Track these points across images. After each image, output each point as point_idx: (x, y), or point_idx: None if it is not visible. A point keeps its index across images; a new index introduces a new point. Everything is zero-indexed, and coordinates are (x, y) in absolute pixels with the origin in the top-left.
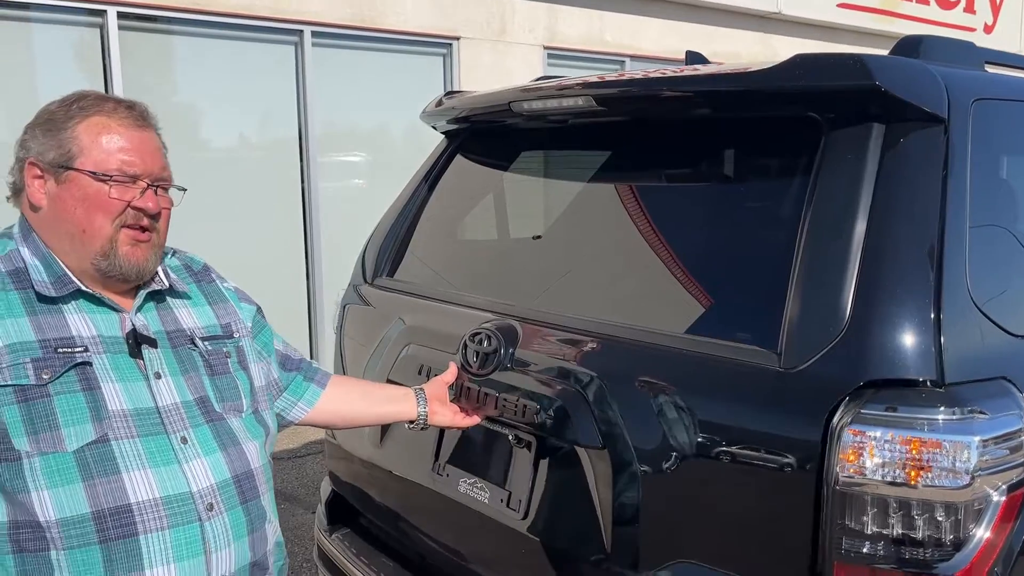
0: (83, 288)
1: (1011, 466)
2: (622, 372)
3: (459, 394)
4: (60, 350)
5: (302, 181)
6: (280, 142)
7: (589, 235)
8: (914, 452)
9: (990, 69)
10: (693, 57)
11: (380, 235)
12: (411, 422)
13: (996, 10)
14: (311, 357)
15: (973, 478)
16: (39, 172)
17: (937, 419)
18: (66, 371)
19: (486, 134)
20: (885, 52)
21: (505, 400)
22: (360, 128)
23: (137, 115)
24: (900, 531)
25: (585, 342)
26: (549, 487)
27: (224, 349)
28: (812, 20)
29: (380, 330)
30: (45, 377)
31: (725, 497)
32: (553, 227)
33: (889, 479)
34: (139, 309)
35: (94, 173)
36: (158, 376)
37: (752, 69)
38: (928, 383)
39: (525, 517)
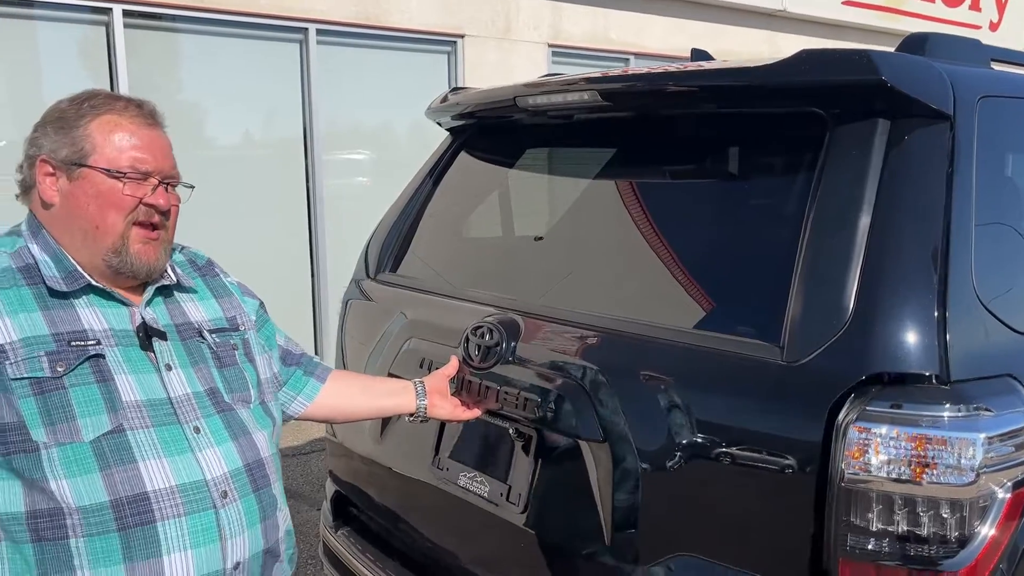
0: (93, 283)
1: (1016, 463)
2: (624, 366)
3: (460, 387)
4: (73, 343)
5: (307, 179)
6: (285, 140)
7: (592, 231)
8: (919, 449)
9: (996, 67)
10: (699, 55)
11: (383, 231)
12: (411, 415)
13: (1002, 8)
14: (315, 354)
15: (978, 475)
16: (51, 169)
17: (942, 416)
18: (80, 363)
19: (490, 131)
20: (891, 49)
21: (506, 393)
22: (365, 126)
23: (147, 114)
24: (905, 528)
25: (587, 336)
26: (549, 481)
27: (231, 341)
28: (817, 18)
29: (382, 324)
30: (60, 370)
31: (726, 491)
32: (556, 223)
33: (894, 476)
34: (148, 303)
35: (108, 170)
36: (169, 368)
37: (757, 64)
38: (931, 378)
39: (525, 511)
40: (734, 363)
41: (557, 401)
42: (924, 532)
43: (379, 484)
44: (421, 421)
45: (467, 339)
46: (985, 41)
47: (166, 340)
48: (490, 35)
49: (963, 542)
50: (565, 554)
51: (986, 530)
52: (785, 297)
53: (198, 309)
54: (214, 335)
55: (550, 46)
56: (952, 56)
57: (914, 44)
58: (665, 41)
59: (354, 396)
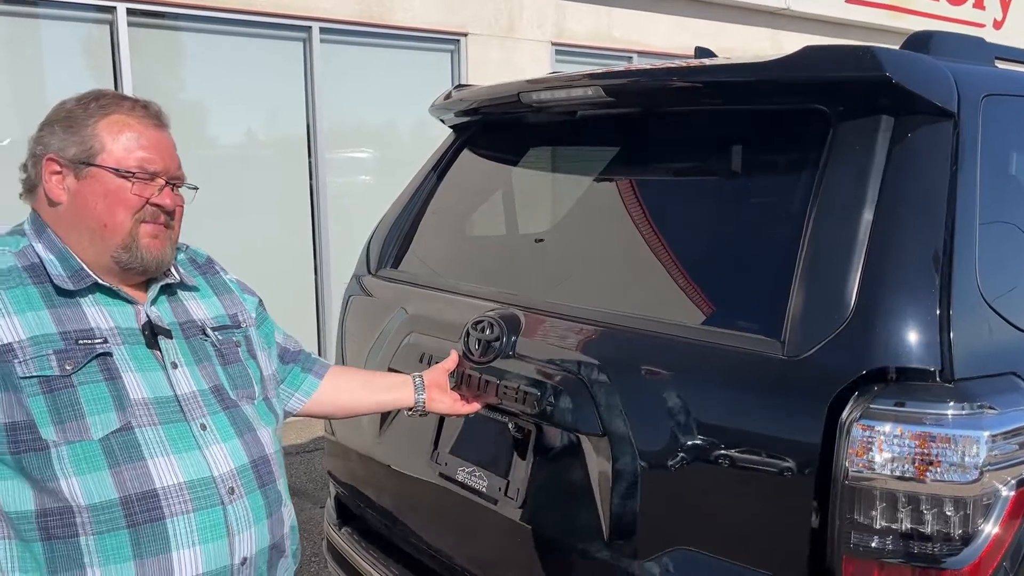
0: (100, 281)
1: (1020, 461)
2: (624, 361)
3: (460, 382)
4: (81, 341)
5: (310, 177)
6: (288, 138)
7: (594, 226)
8: (923, 447)
9: (1000, 65)
10: (702, 53)
11: (385, 227)
12: (409, 409)
13: (1006, 6)
14: (318, 352)
15: (982, 473)
16: (58, 168)
17: (946, 414)
18: (88, 362)
19: (494, 128)
20: (895, 48)
21: (506, 388)
22: (368, 124)
23: (153, 114)
24: (909, 526)
25: (588, 331)
26: (548, 476)
27: (234, 338)
28: (821, 16)
29: (382, 319)
30: (68, 368)
31: (725, 486)
32: (558, 219)
33: (898, 474)
34: (153, 302)
35: (116, 170)
36: (175, 366)
37: (761, 60)
38: (932, 373)
39: (523, 505)
40: (734, 358)
41: (556, 395)
42: (928, 530)
43: (378, 480)
44: (420, 415)
45: (467, 333)
46: (989, 39)
47: (171, 338)
48: (493, 33)
49: (967, 540)
50: (563, 548)
51: (990, 528)
52: (786, 293)
53: (200, 307)
54: (217, 332)
55: (553, 44)
56: (956, 54)
57: (918, 42)
58: (669, 39)
59: (352, 391)
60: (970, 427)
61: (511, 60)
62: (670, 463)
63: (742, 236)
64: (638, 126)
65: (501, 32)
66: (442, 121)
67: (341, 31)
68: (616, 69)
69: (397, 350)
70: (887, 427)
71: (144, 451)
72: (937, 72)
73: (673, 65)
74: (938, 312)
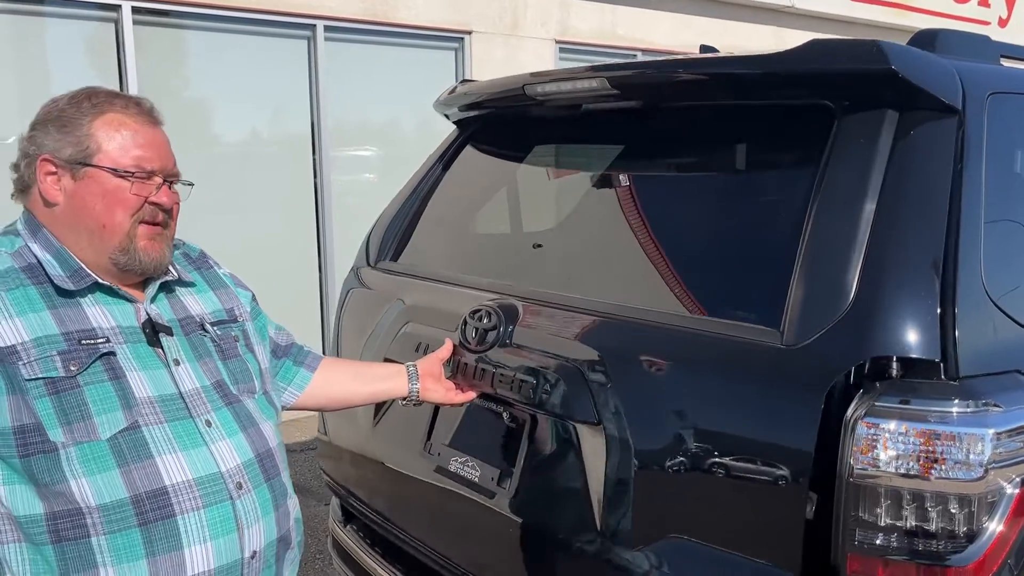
0: (100, 280)
1: None
2: (622, 350)
3: (455, 370)
4: (84, 342)
5: (314, 175)
6: (293, 136)
7: (594, 218)
8: (928, 445)
9: (1006, 63)
10: (707, 51)
11: (385, 220)
12: (403, 399)
13: (1011, 4)
14: (322, 350)
15: (987, 471)
16: (53, 168)
17: (951, 412)
18: (93, 362)
19: (498, 123)
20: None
21: (502, 376)
22: (372, 122)
23: (147, 112)
24: (913, 523)
25: (585, 321)
26: (541, 465)
27: (232, 333)
28: (825, 14)
29: (380, 310)
30: (73, 369)
31: (721, 474)
32: (560, 212)
33: (903, 471)
34: (152, 299)
35: (114, 170)
36: (177, 363)
37: (768, 53)
38: (931, 363)
39: (516, 495)
40: (732, 347)
41: (552, 383)
42: (932, 527)
43: (372, 475)
44: (414, 405)
45: (465, 322)
46: (994, 37)
47: (172, 335)
48: (497, 31)
49: (971, 537)
50: (555, 538)
51: (994, 526)
52: (786, 284)
53: (198, 302)
54: (216, 328)
55: (557, 42)
56: (962, 52)
57: (924, 40)
58: (673, 37)
59: (346, 383)
60: (975, 425)
61: (515, 58)
62: (665, 451)
63: (743, 228)
64: (641, 119)
65: (505, 30)
66: (446, 116)
67: (345, 29)
68: (622, 61)
69: (393, 339)
70: (892, 425)
71: (152, 449)
72: (942, 69)
73: (677, 57)
74: (938, 303)
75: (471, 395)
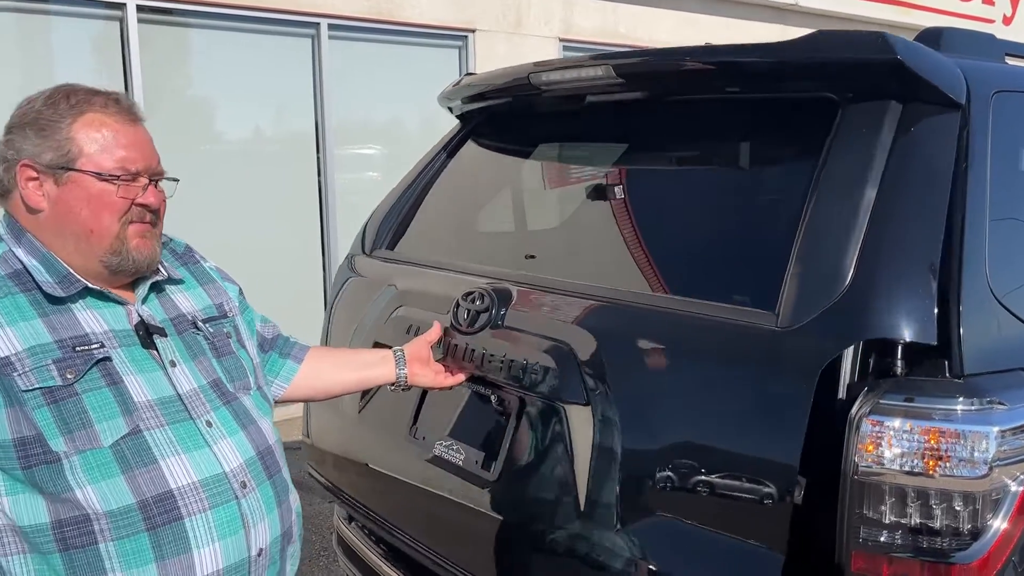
0: (90, 285)
1: None
2: (614, 332)
3: (446, 352)
4: (78, 348)
5: (319, 173)
6: (297, 134)
7: (594, 205)
8: (932, 442)
9: (1011, 61)
10: None
11: (383, 209)
12: (392, 384)
13: (1015, 1)
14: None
15: (991, 468)
16: (34, 174)
17: (956, 409)
18: (89, 369)
19: (500, 117)
20: None
21: (491, 357)
22: (376, 120)
23: (127, 109)
24: (918, 520)
25: (580, 304)
26: (527, 447)
27: (224, 330)
28: (829, 12)
29: (372, 294)
30: (70, 377)
31: (708, 454)
32: (560, 201)
33: (907, 469)
34: (143, 300)
35: (98, 174)
36: (173, 364)
37: (773, 43)
38: (933, 356)
39: (501, 478)
40: (726, 328)
41: (543, 364)
42: (937, 525)
43: (359, 466)
44: (403, 390)
45: (457, 304)
46: (999, 35)
47: (166, 336)
48: (501, 29)
49: (976, 535)
50: (542, 521)
51: (999, 523)
52: (784, 269)
53: (188, 300)
54: (208, 325)
55: (561, 40)
56: (967, 51)
57: (929, 38)
58: (676, 35)
59: (333, 372)
60: (979, 422)
61: (519, 56)
62: (655, 431)
63: (742, 215)
64: (643, 107)
65: (509, 28)
66: (449, 110)
67: (350, 27)
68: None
69: (385, 322)
70: (896, 422)
71: (155, 453)
72: (947, 65)
73: (683, 46)
74: (934, 290)
75: (461, 377)
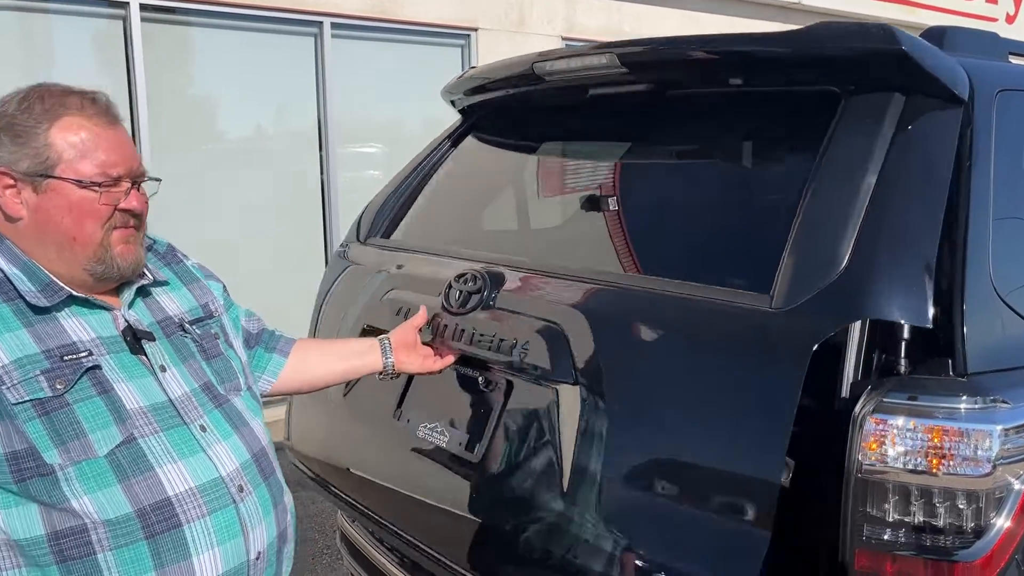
0: (74, 293)
1: None
2: (606, 312)
3: (435, 334)
4: (66, 358)
5: (321, 172)
6: (299, 133)
7: (594, 192)
8: (936, 440)
9: (1014, 60)
10: None
11: (379, 200)
12: (380, 373)
13: (1018, 0)
14: None
15: (995, 467)
16: (11, 182)
17: (959, 408)
18: (79, 378)
19: (502, 111)
20: None
21: (481, 337)
22: (379, 119)
23: (104, 110)
24: (921, 519)
25: (574, 287)
26: (513, 428)
27: (212, 331)
28: (833, 10)
29: (365, 279)
30: (60, 387)
31: (698, 433)
32: (561, 191)
33: (911, 467)
34: (130, 305)
35: (79, 181)
36: (163, 369)
37: (777, 32)
38: (926, 338)
39: (485, 459)
40: (720, 309)
41: (533, 343)
42: (940, 523)
43: (345, 452)
44: (391, 378)
45: (449, 286)
46: (1002, 34)
47: (154, 340)
48: (503, 28)
49: (979, 533)
50: (521, 502)
51: (1002, 521)
52: (780, 254)
53: (173, 301)
54: (195, 326)
55: (564, 39)
56: (971, 50)
57: (932, 37)
58: (679, 34)
59: (320, 364)
60: (983, 421)
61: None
62: (644, 410)
63: (741, 202)
64: (646, 95)
65: (511, 27)
66: (452, 104)
67: (352, 26)
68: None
69: (376, 306)
70: (900, 421)
71: (151, 460)
72: (951, 62)
73: (689, 35)
74: (929, 277)
75: (449, 360)
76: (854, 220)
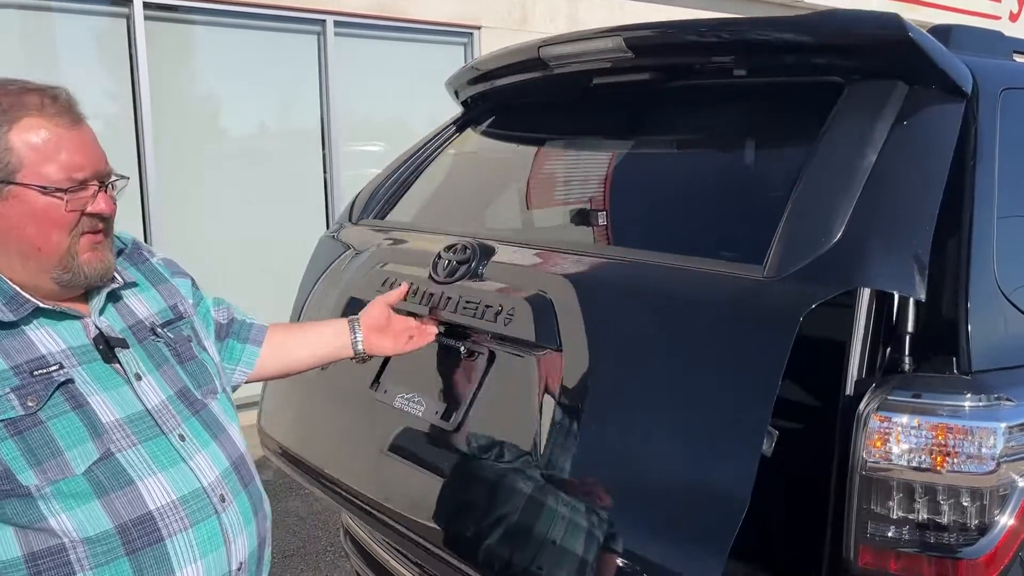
0: (41, 305)
1: None
2: (593, 280)
3: (419, 303)
4: (36, 373)
5: (324, 170)
6: (303, 131)
7: (595, 170)
8: (940, 438)
9: (1018, 59)
10: None
11: (374, 183)
12: (352, 358)
13: None
14: None
15: (999, 464)
16: None
17: (963, 405)
18: (52, 394)
19: (505, 97)
20: None
21: (466, 304)
22: (382, 117)
23: (67, 109)
24: (925, 516)
25: (564, 260)
26: (492, 396)
27: (184, 333)
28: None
29: (352, 255)
30: (32, 405)
31: (681, 400)
32: (557, 164)
33: (915, 465)
34: (100, 312)
35: (43, 188)
36: (138, 377)
37: (783, 16)
38: (914, 303)
39: (459, 428)
40: (712, 279)
41: (519, 310)
42: (944, 520)
43: (319, 428)
44: (363, 361)
45: (439, 256)
46: (1005, 32)
47: (127, 347)
48: (506, 26)
49: (983, 530)
50: (496, 470)
51: (1006, 519)
52: (775, 229)
53: (143, 303)
54: (166, 329)
55: None
56: (975, 48)
57: (938, 35)
58: None
59: (293, 351)
60: (987, 418)
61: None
62: (628, 376)
63: (739, 179)
64: (650, 77)
65: (514, 25)
66: (456, 94)
67: (355, 24)
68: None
69: (363, 277)
70: (904, 418)
71: (131, 474)
72: (956, 60)
73: (696, 19)
74: (920, 253)
75: (428, 338)
76: (851, 196)
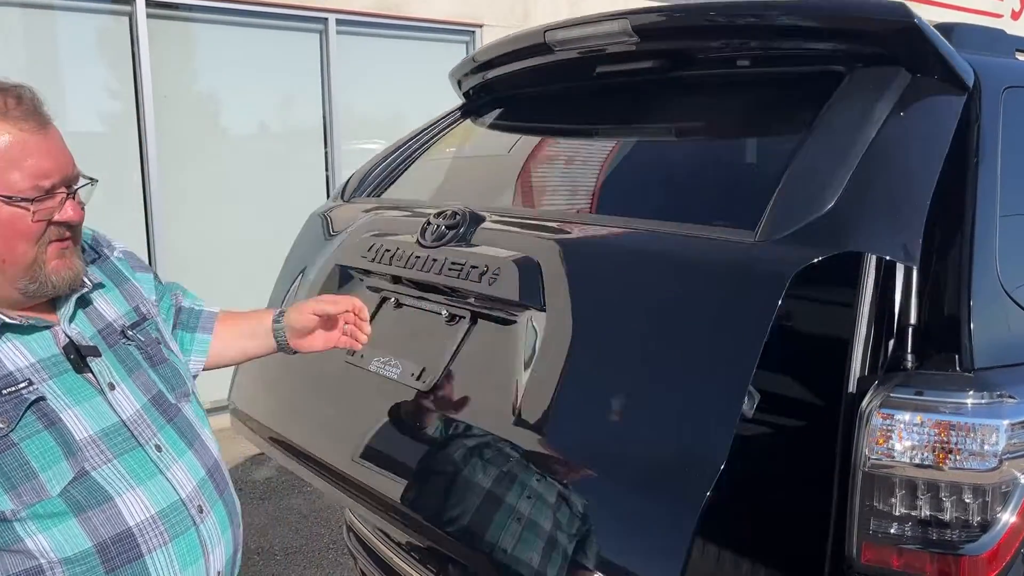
0: (8, 320)
1: None
2: (582, 246)
3: (404, 266)
4: (5, 392)
5: (326, 168)
6: (305, 129)
7: (596, 146)
8: (942, 435)
9: (1021, 57)
10: None
11: (367, 166)
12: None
13: None
14: None
15: (1001, 461)
16: None
17: (966, 403)
18: (23, 414)
19: (507, 92)
20: None
21: (452, 266)
22: (384, 115)
23: (32, 111)
24: (928, 513)
25: (556, 226)
26: (471, 356)
27: (152, 335)
28: None
29: (340, 227)
30: (2, 426)
31: (664, 358)
32: (555, 143)
33: (917, 461)
34: (70, 318)
35: (8, 198)
36: (112, 387)
37: (790, 1)
38: (905, 268)
39: (434, 388)
40: (701, 242)
41: (504, 270)
42: (946, 517)
43: (293, 402)
44: (293, 353)
45: (428, 222)
46: (1008, 31)
47: (99, 356)
48: (508, 25)
49: (985, 527)
50: (475, 432)
51: (1008, 516)
52: (768, 198)
53: (109, 304)
54: (135, 331)
55: None
56: (979, 46)
57: (942, 33)
58: None
59: (236, 340)
60: (989, 416)
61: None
62: (612, 337)
63: (736, 154)
64: (654, 60)
65: (516, 23)
66: (459, 85)
67: (357, 23)
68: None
69: (350, 246)
70: (907, 416)
71: (109, 491)
72: (959, 55)
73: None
74: (915, 215)
75: (363, 339)
76: (847, 168)
